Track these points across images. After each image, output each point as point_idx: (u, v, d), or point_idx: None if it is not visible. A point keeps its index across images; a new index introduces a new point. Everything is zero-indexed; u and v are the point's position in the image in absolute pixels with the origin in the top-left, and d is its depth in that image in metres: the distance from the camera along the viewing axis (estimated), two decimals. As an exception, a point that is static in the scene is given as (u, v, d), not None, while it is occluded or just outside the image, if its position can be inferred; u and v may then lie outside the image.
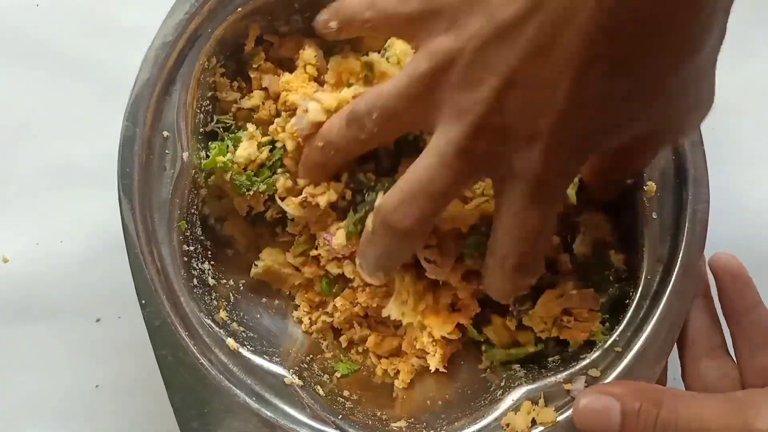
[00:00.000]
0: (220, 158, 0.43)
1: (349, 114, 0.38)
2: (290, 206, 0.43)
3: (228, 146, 0.44)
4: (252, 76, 0.46)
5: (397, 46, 0.44)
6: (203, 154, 0.44)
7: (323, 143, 0.40)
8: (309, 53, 0.45)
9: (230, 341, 0.42)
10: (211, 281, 0.44)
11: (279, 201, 0.43)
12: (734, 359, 0.42)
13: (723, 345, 0.42)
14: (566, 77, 0.30)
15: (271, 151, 0.44)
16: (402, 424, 0.43)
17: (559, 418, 0.40)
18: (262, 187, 0.43)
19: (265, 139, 0.44)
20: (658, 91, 0.32)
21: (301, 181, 0.43)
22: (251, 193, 0.43)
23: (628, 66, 0.30)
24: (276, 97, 0.45)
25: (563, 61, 0.30)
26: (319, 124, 0.41)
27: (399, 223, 0.36)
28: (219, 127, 0.45)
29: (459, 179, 0.34)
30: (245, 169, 0.44)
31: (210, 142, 0.45)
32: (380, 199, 0.37)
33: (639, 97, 0.32)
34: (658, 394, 0.36)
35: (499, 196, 0.35)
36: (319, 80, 0.46)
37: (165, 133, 0.42)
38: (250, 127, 0.45)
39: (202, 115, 0.45)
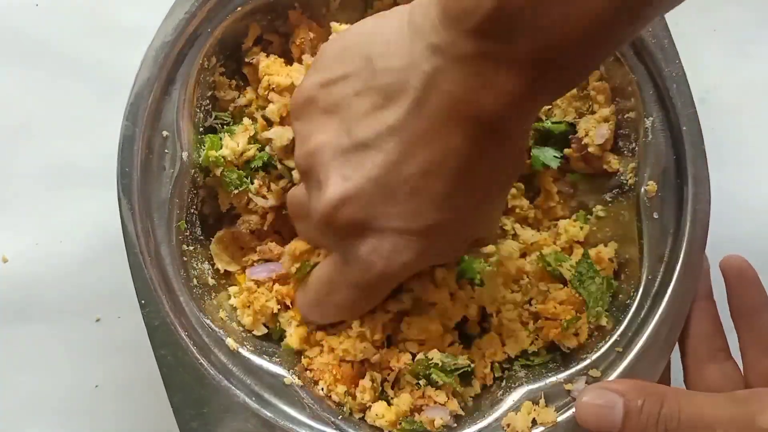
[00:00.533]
0: (212, 152, 0.43)
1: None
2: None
3: (221, 138, 0.44)
4: (246, 72, 0.46)
5: None
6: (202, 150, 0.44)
7: None
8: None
9: (230, 341, 0.42)
10: (210, 281, 0.44)
11: (253, 196, 0.44)
12: (736, 362, 0.42)
13: (726, 348, 0.42)
14: (409, 184, 0.34)
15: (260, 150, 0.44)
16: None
17: (560, 419, 0.40)
18: (251, 187, 0.44)
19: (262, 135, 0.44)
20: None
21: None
22: (236, 192, 0.44)
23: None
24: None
25: (411, 169, 0.34)
26: None
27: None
28: (217, 124, 0.45)
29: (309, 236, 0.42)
30: (238, 168, 0.44)
31: (206, 135, 0.45)
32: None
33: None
34: (660, 392, 0.36)
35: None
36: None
37: (164, 133, 0.42)
38: (246, 120, 0.45)
39: (201, 115, 0.45)
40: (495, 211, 0.40)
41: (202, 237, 0.45)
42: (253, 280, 0.44)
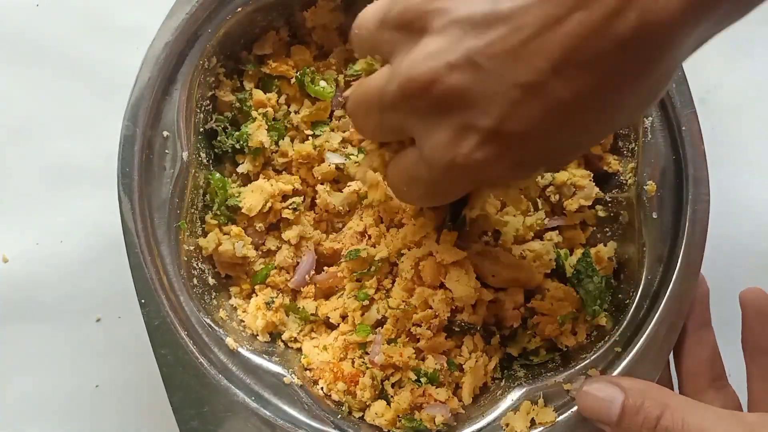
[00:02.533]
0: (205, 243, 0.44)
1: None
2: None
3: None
4: (245, 83, 0.47)
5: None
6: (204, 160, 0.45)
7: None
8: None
9: (229, 341, 0.42)
10: (210, 281, 0.44)
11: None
12: (734, 389, 0.41)
13: (724, 376, 0.42)
14: (531, 80, 0.29)
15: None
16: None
17: (559, 419, 0.40)
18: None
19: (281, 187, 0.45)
20: (606, 126, 0.32)
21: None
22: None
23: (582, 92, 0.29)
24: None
25: (539, 60, 0.29)
26: None
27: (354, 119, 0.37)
28: (218, 126, 0.45)
29: (384, 124, 0.35)
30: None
31: (212, 174, 0.45)
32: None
33: (586, 126, 0.31)
34: (664, 397, 0.36)
35: (407, 145, 0.36)
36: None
37: (165, 133, 0.42)
38: (255, 114, 0.45)
39: (202, 115, 0.45)
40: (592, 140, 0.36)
41: (202, 237, 0.45)
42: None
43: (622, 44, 0.27)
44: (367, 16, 0.35)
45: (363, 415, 0.42)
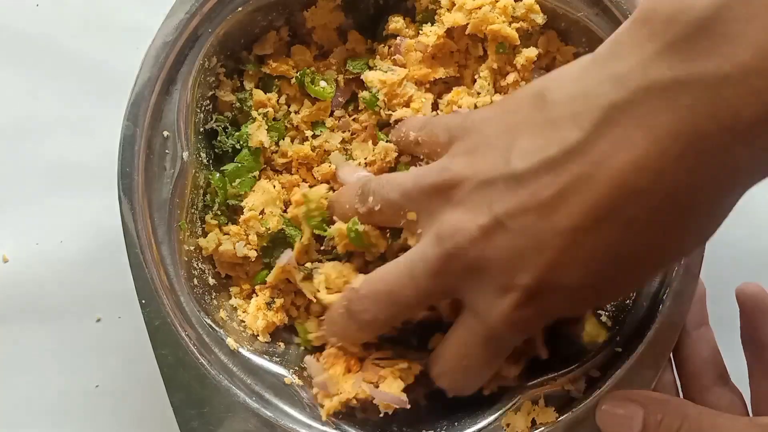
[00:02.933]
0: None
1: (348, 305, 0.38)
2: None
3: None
4: (246, 83, 0.47)
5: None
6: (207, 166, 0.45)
7: (330, 334, 0.41)
8: None
9: (230, 341, 0.42)
10: (211, 281, 0.44)
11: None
12: (735, 385, 0.41)
13: (725, 373, 0.42)
14: (561, 238, 0.29)
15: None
16: (402, 425, 0.43)
17: (560, 419, 0.40)
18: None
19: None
20: (657, 265, 0.32)
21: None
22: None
23: (638, 234, 0.29)
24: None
25: (563, 221, 0.29)
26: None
27: (358, 314, 0.37)
28: (219, 126, 0.45)
29: (422, 296, 0.35)
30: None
31: (213, 173, 0.45)
32: (360, 280, 0.38)
33: (636, 271, 0.31)
34: (682, 408, 0.36)
35: (458, 317, 0.36)
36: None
37: (165, 133, 0.42)
38: (255, 114, 0.45)
39: (202, 115, 0.45)
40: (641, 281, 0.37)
41: (202, 236, 0.45)
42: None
43: (637, 198, 0.28)
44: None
45: None
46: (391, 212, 0.37)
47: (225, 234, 0.45)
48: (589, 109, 0.28)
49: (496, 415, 0.41)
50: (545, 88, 0.31)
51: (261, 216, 0.44)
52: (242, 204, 0.44)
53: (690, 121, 0.26)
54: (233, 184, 0.44)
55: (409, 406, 0.42)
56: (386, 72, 0.45)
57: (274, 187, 0.45)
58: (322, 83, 0.46)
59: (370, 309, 0.36)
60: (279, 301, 0.44)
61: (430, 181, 0.34)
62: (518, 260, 0.31)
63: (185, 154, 0.42)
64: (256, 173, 0.45)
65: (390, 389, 0.40)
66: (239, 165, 0.44)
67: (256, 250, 0.44)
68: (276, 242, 0.44)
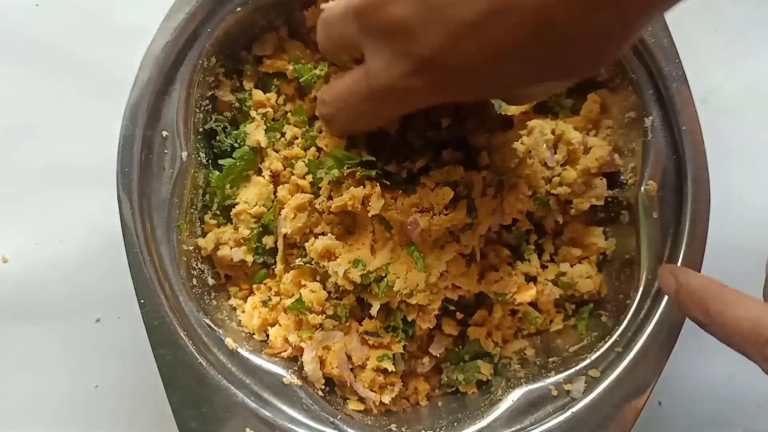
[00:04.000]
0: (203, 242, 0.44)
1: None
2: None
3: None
4: (245, 83, 0.47)
5: None
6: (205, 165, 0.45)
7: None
8: None
9: (229, 341, 0.42)
10: (210, 281, 0.44)
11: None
12: None
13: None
14: (465, 22, 0.31)
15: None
16: (401, 424, 0.43)
17: (559, 419, 0.40)
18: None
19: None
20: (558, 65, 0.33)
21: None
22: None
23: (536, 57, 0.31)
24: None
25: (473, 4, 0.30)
26: None
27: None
28: (218, 126, 0.45)
29: (336, 39, 0.38)
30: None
31: (212, 172, 0.45)
32: None
33: (524, 67, 0.32)
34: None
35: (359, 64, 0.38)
36: None
37: (164, 133, 0.42)
38: (254, 114, 0.45)
39: (201, 114, 0.45)
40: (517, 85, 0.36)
41: (201, 236, 0.45)
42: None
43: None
44: None
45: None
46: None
47: (224, 232, 0.45)
48: None
49: (496, 414, 0.41)
50: None
51: (252, 209, 0.44)
52: (236, 201, 0.44)
53: None
54: (227, 179, 0.44)
55: (386, 401, 0.42)
56: None
57: (265, 178, 0.45)
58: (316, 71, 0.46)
59: (323, 24, 0.39)
60: (275, 299, 0.44)
61: None
62: (421, 32, 0.32)
63: (184, 154, 0.42)
64: (251, 172, 0.45)
65: (366, 378, 0.42)
66: (236, 162, 0.44)
67: (251, 254, 0.44)
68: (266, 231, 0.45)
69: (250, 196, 0.44)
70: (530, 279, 0.45)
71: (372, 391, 0.43)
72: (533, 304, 0.45)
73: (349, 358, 0.42)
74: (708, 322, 0.34)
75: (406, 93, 0.35)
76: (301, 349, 0.42)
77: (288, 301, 0.43)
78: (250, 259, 0.44)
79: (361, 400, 0.43)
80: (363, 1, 0.34)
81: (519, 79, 0.34)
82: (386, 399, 0.43)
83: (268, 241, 0.44)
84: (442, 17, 0.31)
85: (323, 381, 0.43)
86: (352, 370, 0.43)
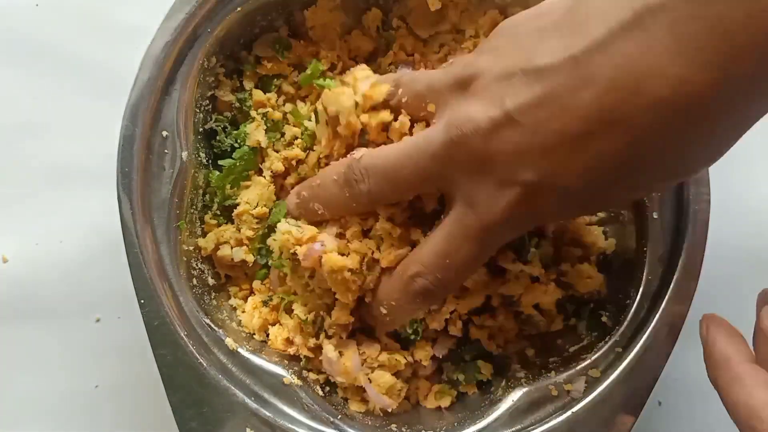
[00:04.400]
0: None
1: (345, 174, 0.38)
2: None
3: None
4: (245, 83, 0.47)
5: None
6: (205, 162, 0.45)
7: (315, 197, 0.40)
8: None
9: (229, 341, 0.42)
10: (210, 281, 0.44)
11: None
12: None
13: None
14: (569, 139, 0.29)
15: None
16: (401, 425, 0.43)
17: (559, 419, 0.40)
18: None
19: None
20: (659, 179, 0.32)
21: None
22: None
23: (646, 144, 0.29)
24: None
25: (574, 121, 0.29)
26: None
27: (354, 183, 0.37)
28: (218, 126, 0.45)
29: (418, 178, 0.35)
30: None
31: (213, 172, 0.45)
32: (363, 152, 0.38)
33: (635, 182, 0.31)
34: None
35: (445, 215, 0.35)
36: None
37: (164, 133, 0.42)
38: (254, 114, 0.45)
39: (201, 115, 0.45)
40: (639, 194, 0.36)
41: (201, 237, 0.45)
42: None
43: (653, 106, 0.27)
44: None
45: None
46: (416, 104, 0.37)
47: (223, 233, 0.45)
48: (620, 9, 0.27)
49: (496, 415, 0.41)
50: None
51: (254, 210, 0.44)
52: (237, 201, 0.44)
53: (720, 31, 0.25)
54: (228, 179, 0.44)
55: (390, 410, 0.42)
56: None
57: (266, 178, 0.45)
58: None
59: (366, 180, 0.36)
60: (276, 299, 0.44)
61: (453, 74, 0.34)
62: (523, 157, 0.31)
63: (184, 154, 0.42)
64: (251, 172, 0.45)
65: (381, 381, 0.42)
66: (236, 162, 0.44)
67: (253, 254, 0.44)
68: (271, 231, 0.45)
69: (252, 197, 0.44)
70: (534, 280, 0.45)
71: (385, 395, 0.43)
72: (536, 305, 0.45)
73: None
74: (716, 389, 0.35)
75: (519, 218, 0.33)
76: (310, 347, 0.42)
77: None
78: (250, 259, 0.44)
79: (364, 400, 0.43)
80: (450, 135, 0.32)
81: (626, 192, 0.32)
82: (395, 404, 0.43)
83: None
84: (539, 137, 0.30)
85: (325, 377, 0.43)
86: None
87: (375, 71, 0.45)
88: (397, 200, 0.38)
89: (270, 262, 0.44)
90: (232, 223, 0.45)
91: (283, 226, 0.41)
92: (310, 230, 0.41)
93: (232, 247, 0.44)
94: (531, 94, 0.30)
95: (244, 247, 0.44)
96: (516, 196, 0.32)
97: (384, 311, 0.38)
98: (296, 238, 0.41)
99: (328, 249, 0.39)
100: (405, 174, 0.35)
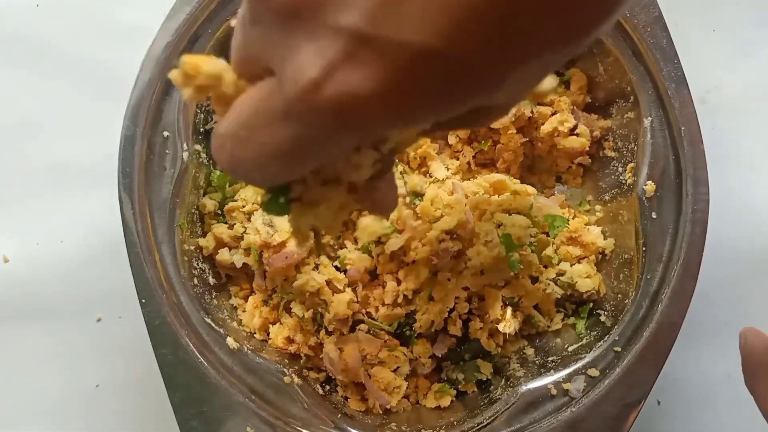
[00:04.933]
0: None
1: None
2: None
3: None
4: None
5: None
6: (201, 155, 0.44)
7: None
8: None
9: (230, 340, 0.42)
10: (211, 280, 0.44)
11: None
12: None
13: None
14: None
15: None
16: (401, 423, 0.43)
17: (559, 418, 0.40)
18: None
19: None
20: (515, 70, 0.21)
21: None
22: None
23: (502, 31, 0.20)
24: None
25: None
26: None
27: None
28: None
29: (241, 59, 0.25)
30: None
31: (213, 172, 0.45)
32: None
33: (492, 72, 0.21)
34: None
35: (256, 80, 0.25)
36: None
37: (165, 133, 0.42)
38: None
39: (202, 115, 0.45)
40: (529, 74, 0.22)
41: (202, 236, 0.45)
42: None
43: None
44: None
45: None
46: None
47: (226, 227, 0.45)
48: None
49: (496, 414, 0.41)
50: None
51: (245, 207, 0.44)
52: (235, 199, 0.45)
53: None
54: (228, 179, 0.45)
55: (389, 406, 0.42)
56: None
57: None
58: None
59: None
60: (276, 298, 0.44)
61: None
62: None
63: (185, 154, 0.42)
64: None
65: (380, 377, 0.42)
66: None
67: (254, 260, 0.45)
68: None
69: (249, 195, 0.44)
70: (534, 280, 0.45)
71: (384, 391, 0.43)
72: (535, 305, 0.45)
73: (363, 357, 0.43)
74: (753, 396, 0.35)
75: (343, 106, 0.21)
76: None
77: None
78: (252, 261, 0.44)
79: (364, 399, 0.43)
80: None
81: (503, 62, 0.21)
82: (394, 401, 0.43)
83: None
84: None
85: (325, 376, 0.43)
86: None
87: None
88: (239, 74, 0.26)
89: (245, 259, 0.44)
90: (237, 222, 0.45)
91: (257, 221, 0.42)
92: (281, 235, 0.42)
93: (230, 249, 0.44)
94: None
95: (242, 250, 0.44)
96: (341, 51, 0.20)
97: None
98: (264, 241, 0.41)
99: None
100: (237, 47, 0.25)
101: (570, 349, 0.44)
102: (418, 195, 0.45)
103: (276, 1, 0.22)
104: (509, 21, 0.20)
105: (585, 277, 0.45)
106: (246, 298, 0.45)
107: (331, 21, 0.21)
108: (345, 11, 0.20)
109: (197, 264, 0.44)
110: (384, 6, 0.20)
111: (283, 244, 0.42)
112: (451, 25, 0.20)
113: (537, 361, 0.44)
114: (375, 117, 0.21)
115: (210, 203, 0.44)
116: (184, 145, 0.42)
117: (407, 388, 0.45)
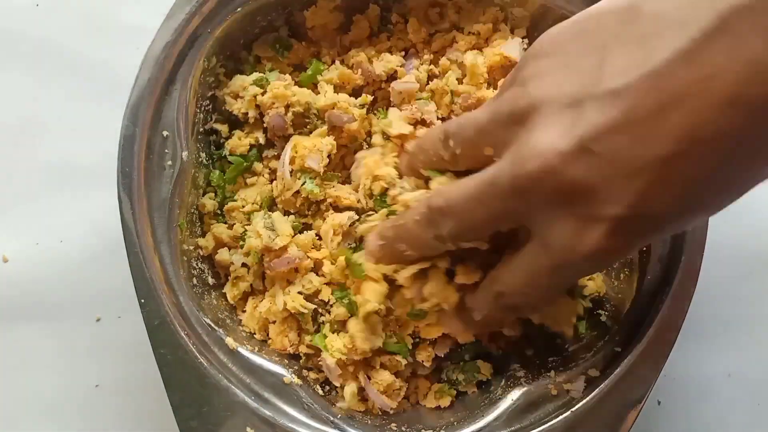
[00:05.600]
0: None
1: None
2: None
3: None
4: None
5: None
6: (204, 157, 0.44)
7: (400, 239, 0.36)
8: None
9: (229, 340, 0.42)
10: (210, 280, 0.44)
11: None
12: None
13: None
14: (656, 163, 0.27)
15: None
16: (401, 424, 0.43)
17: (559, 418, 0.40)
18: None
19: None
20: (747, 188, 0.30)
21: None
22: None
23: (740, 155, 0.27)
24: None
25: (660, 143, 0.26)
26: None
27: (439, 224, 0.34)
28: (218, 126, 0.45)
29: (491, 219, 0.33)
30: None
31: (213, 172, 0.45)
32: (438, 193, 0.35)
33: (724, 195, 0.29)
34: None
35: (527, 242, 0.33)
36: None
37: (165, 133, 0.42)
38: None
39: (202, 115, 0.45)
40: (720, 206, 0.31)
41: (201, 237, 0.45)
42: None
43: (752, 113, 0.25)
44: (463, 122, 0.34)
45: None
46: (472, 153, 0.34)
47: (226, 227, 0.45)
48: (701, 15, 0.25)
49: (496, 414, 0.41)
50: (638, 2, 0.28)
51: (245, 208, 0.44)
52: (235, 198, 0.45)
53: None
54: (228, 179, 0.45)
55: (389, 410, 0.42)
56: None
57: (264, 177, 0.45)
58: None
59: (447, 223, 0.33)
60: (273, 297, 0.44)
61: (504, 110, 0.31)
62: (604, 189, 0.28)
63: (185, 154, 0.42)
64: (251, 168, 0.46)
65: (380, 379, 0.42)
66: (238, 160, 0.45)
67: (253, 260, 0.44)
68: None
69: (249, 195, 0.44)
70: None
71: (384, 394, 0.43)
72: None
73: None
74: None
75: (606, 255, 0.30)
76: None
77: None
78: (251, 261, 0.44)
79: (364, 399, 0.43)
80: (517, 174, 0.29)
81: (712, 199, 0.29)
82: (394, 404, 0.43)
83: None
84: (619, 166, 0.27)
85: (325, 376, 0.43)
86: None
87: (370, 57, 0.46)
88: (477, 238, 0.35)
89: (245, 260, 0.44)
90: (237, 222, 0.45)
91: (258, 224, 0.42)
92: (283, 239, 0.42)
93: (229, 249, 0.44)
94: (605, 119, 0.27)
95: (240, 251, 0.44)
96: (602, 233, 0.29)
97: (478, 318, 0.37)
98: (265, 246, 0.41)
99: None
100: (479, 218, 0.32)
101: (570, 349, 0.44)
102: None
103: (555, 185, 0.29)
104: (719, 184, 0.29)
105: (588, 280, 0.45)
106: (245, 299, 0.45)
107: (596, 210, 0.28)
108: (610, 205, 0.28)
109: (196, 264, 0.44)
110: (645, 196, 0.27)
111: (284, 249, 0.42)
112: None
113: (537, 362, 0.44)
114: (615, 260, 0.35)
115: (209, 203, 0.44)
116: (184, 145, 0.42)
117: (407, 389, 0.45)
